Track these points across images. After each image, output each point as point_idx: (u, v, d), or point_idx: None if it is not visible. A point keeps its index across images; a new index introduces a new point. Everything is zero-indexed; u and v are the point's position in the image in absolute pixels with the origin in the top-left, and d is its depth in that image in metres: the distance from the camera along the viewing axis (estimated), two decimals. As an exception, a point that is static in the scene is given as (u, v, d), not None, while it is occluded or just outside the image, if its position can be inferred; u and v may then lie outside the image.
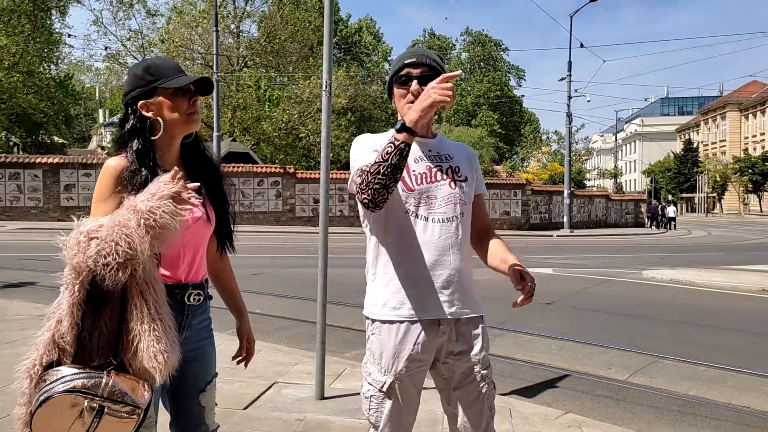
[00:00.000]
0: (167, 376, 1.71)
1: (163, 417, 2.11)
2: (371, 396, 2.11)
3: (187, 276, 2.00)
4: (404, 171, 2.06)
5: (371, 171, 1.88)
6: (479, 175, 2.30)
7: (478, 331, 2.16)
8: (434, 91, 1.84)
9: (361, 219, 2.20)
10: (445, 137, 2.34)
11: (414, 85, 2.09)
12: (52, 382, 1.61)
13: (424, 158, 2.14)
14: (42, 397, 1.60)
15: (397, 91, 2.15)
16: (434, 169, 2.13)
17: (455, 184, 2.13)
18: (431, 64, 2.12)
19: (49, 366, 1.66)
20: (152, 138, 1.94)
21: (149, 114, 1.93)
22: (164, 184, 1.70)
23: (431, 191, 2.09)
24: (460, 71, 2.11)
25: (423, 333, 2.07)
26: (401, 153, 1.86)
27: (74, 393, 1.59)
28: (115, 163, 1.87)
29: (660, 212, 39.58)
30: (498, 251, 2.16)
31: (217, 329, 2.32)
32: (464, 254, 2.13)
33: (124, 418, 1.63)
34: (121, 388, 1.64)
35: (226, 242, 2.18)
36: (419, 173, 2.11)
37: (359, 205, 2.08)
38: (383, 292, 2.11)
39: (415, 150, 2.13)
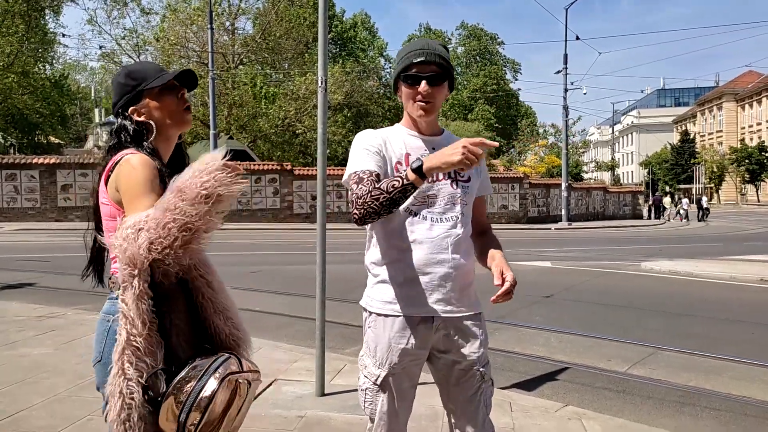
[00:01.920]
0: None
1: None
2: (366, 389, 2.15)
3: None
4: (404, 168, 2.10)
5: (372, 193, 1.91)
6: (484, 173, 2.28)
7: (476, 329, 2.15)
8: (465, 151, 1.82)
9: None
10: (453, 134, 2.29)
11: (423, 86, 2.07)
12: (202, 376, 1.64)
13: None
14: (208, 392, 1.62)
15: (405, 90, 2.12)
16: None
17: (457, 184, 2.14)
18: (440, 62, 2.07)
19: (140, 369, 1.63)
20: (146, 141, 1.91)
21: (141, 118, 1.91)
22: (211, 160, 1.69)
23: (432, 191, 2.10)
24: (497, 143, 2.01)
25: (417, 329, 2.09)
26: (405, 194, 1.90)
27: (230, 375, 1.67)
28: (147, 157, 1.81)
29: (698, 204, 39.55)
30: (493, 254, 2.15)
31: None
32: (464, 253, 2.12)
33: (258, 380, 1.80)
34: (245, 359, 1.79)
35: None
36: None
37: None
38: (381, 287, 2.13)
39: (418, 148, 2.14)
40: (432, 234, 2.08)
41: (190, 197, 1.61)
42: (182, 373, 1.64)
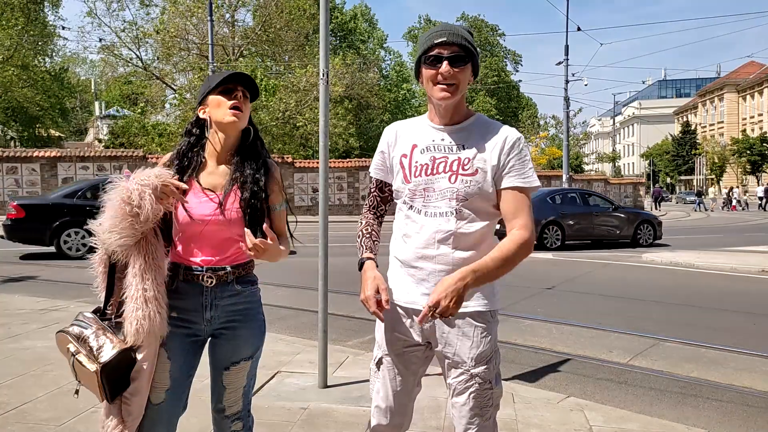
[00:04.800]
0: (139, 341, 2.07)
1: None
2: (371, 368, 2.25)
3: (206, 262, 2.19)
4: (407, 161, 2.12)
5: (359, 227, 2.27)
6: (510, 163, 2.04)
7: (468, 327, 2.06)
8: (364, 300, 2.02)
9: None
10: (486, 117, 2.17)
11: (445, 66, 1.98)
12: (74, 320, 2.16)
13: (432, 148, 2.08)
14: (59, 329, 2.16)
15: (426, 72, 2.04)
16: (438, 161, 2.07)
17: (456, 177, 2.03)
18: (462, 44, 2.00)
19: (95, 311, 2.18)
20: (205, 135, 2.24)
21: (203, 115, 2.23)
22: (155, 175, 2.07)
23: (429, 184, 2.06)
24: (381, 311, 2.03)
25: (406, 319, 2.12)
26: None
27: (63, 333, 2.12)
28: (167, 156, 2.27)
29: (765, 193, 38.67)
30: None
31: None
32: (460, 249, 2.04)
33: (83, 365, 2.06)
34: (97, 341, 2.07)
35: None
36: (420, 164, 2.08)
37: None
38: (389, 274, 2.19)
39: (426, 138, 2.11)
40: (422, 228, 2.06)
41: (121, 197, 2.04)
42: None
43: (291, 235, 2.38)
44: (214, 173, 2.22)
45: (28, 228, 11.80)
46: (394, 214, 2.23)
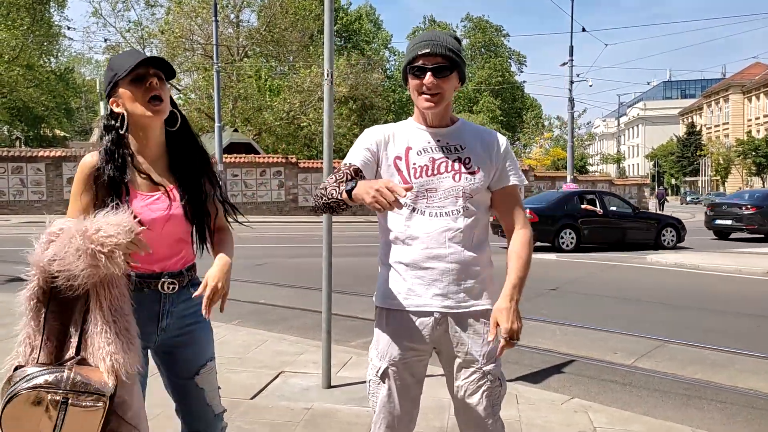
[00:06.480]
0: (124, 375, 1.71)
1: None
2: (370, 380, 2.18)
3: (162, 267, 2.03)
4: (403, 163, 2.09)
5: (321, 191, 2.00)
6: (506, 163, 2.15)
7: (480, 325, 2.11)
8: (375, 194, 1.74)
9: None
10: (470, 122, 2.24)
11: (428, 77, 2.01)
12: (17, 382, 1.65)
13: (430, 149, 2.10)
14: (7, 398, 1.62)
15: (411, 81, 2.07)
16: (438, 161, 2.08)
17: (460, 176, 2.08)
18: (446, 54, 2.02)
19: (18, 367, 1.70)
20: (126, 132, 1.98)
21: (118, 109, 1.97)
22: (124, 228, 1.73)
23: (432, 184, 2.07)
24: (406, 192, 1.76)
25: (417, 323, 2.08)
26: (339, 205, 1.94)
27: (37, 389, 1.62)
28: (89, 161, 1.96)
29: None
30: (505, 288, 2.10)
31: (222, 319, 2.32)
32: (470, 247, 2.08)
33: (89, 407, 1.65)
34: (84, 378, 1.66)
35: (204, 241, 2.13)
36: (420, 166, 2.08)
37: None
38: (385, 281, 2.14)
39: (421, 141, 2.11)
40: (430, 229, 2.05)
41: (84, 251, 1.68)
42: (12, 375, 1.67)
43: (235, 210, 2.19)
44: (150, 169, 2.01)
45: (537, 230, 13.49)
46: None
